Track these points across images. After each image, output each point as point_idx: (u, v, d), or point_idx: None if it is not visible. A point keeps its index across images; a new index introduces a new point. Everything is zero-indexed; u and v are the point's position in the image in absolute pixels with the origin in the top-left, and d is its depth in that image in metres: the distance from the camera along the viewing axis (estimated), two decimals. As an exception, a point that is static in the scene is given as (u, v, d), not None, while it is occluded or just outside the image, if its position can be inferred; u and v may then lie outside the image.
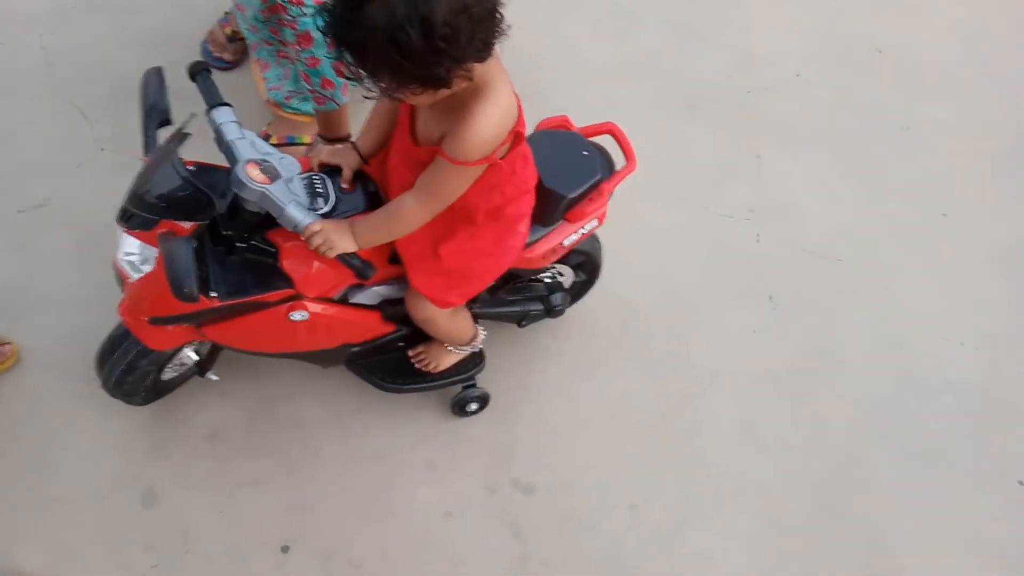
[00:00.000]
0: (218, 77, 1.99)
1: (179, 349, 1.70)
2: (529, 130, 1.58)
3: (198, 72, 1.51)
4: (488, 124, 1.27)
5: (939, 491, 1.97)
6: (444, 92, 1.22)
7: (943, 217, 2.42)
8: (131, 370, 1.65)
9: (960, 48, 2.80)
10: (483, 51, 1.19)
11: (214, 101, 1.46)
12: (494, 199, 1.45)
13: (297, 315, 1.54)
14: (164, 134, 1.46)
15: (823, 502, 1.93)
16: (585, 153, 1.73)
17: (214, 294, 1.44)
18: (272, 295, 1.51)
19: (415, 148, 1.39)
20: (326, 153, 1.55)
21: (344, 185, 1.53)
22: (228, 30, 2.43)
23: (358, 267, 1.44)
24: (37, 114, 2.27)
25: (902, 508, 1.94)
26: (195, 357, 1.76)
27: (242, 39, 2.38)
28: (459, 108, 1.28)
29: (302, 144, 2.26)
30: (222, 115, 1.45)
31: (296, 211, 1.38)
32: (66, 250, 2.03)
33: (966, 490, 1.98)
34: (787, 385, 2.09)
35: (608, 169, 1.75)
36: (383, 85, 1.18)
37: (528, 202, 1.56)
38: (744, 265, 2.27)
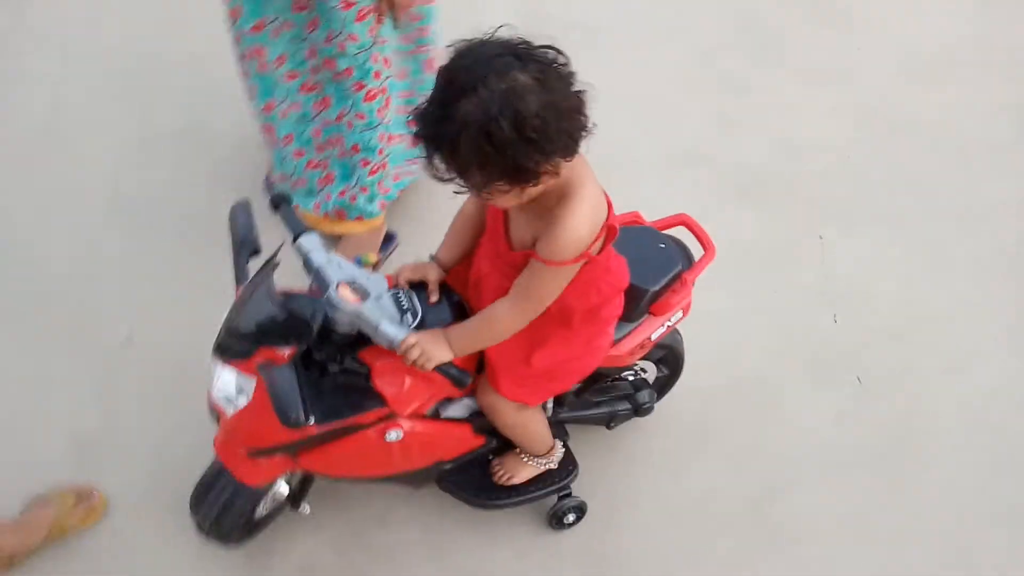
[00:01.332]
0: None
1: (272, 484, 1.68)
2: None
3: (280, 203, 1.55)
4: (580, 222, 1.28)
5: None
6: (531, 191, 1.24)
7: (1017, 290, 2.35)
8: (227, 509, 1.61)
9: (1009, 126, 2.79)
10: (570, 146, 1.21)
11: (299, 229, 1.50)
12: (591, 298, 1.44)
13: (393, 434, 1.51)
14: (254, 265, 1.49)
15: None
16: (662, 246, 1.73)
17: (311, 420, 1.43)
18: (367, 416, 1.49)
19: (510, 253, 1.40)
20: (409, 270, 1.56)
21: (431, 298, 1.53)
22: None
23: (456, 376, 1.42)
24: (115, 249, 2.31)
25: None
26: (286, 491, 1.73)
27: None
28: (550, 210, 1.29)
29: (368, 264, 2.30)
30: (309, 242, 1.48)
31: (390, 327, 1.38)
32: (150, 390, 2.04)
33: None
34: (879, 469, 1.98)
35: (687, 260, 1.73)
36: (473, 182, 1.21)
37: (620, 303, 1.54)
38: (821, 347, 2.20)
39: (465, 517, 1.86)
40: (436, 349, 1.39)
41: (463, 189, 1.24)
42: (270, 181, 2.48)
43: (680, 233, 1.79)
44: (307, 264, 1.46)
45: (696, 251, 1.76)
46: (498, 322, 1.41)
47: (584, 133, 1.22)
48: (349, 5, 1.85)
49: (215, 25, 2.09)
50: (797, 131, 2.72)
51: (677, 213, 1.81)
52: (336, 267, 1.45)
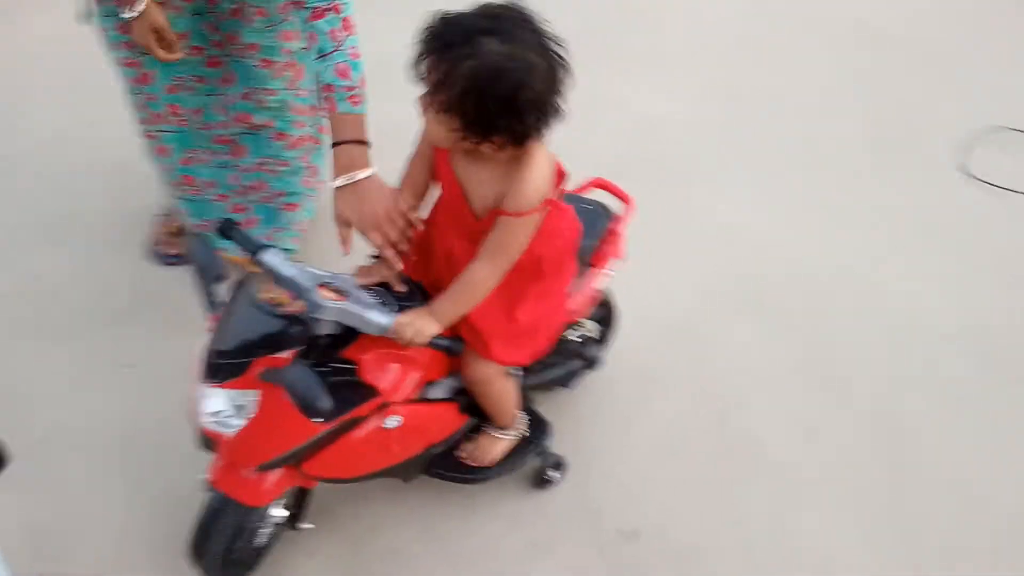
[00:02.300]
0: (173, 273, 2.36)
1: (273, 506, 1.66)
2: None
3: (228, 228, 1.57)
4: (540, 173, 1.42)
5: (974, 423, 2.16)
6: (471, 145, 1.36)
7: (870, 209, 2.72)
8: (236, 541, 1.58)
9: (829, 79, 3.24)
10: (539, 131, 1.35)
11: (257, 246, 1.53)
12: (556, 244, 1.56)
13: (392, 421, 1.57)
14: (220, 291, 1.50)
15: (889, 461, 2.07)
16: (587, 207, 1.90)
17: (319, 419, 1.45)
18: (364, 407, 1.53)
19: (479, 222, 1.50)
20: (363, 275, 1.59)
21: (399, 288, 1.60)
22: (174, 226, 2.45)
23: (449, 346, 1.51)
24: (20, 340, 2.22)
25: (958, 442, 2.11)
26: (285, 514, 1.72)
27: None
28: (509, 170, 1.42)
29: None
30: (272, 256, 1.51)
31: (379, 316, 1.45)
32: (83, 475, 1.94)
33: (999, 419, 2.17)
34: (810, 375, 2.25)
35: (611, 215, 1.91)
36: (440, 99, 1.30)
37: (575, 259, 1.69)
38: (727, 288, 2.46)
39: (454, 503, 1.92)
40: (426, 324, 1.47)
41: (424, 103, 1.34)
42: (159, 249, 2.45)
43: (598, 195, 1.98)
44: (277, 277, 1.49)
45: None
46: (477, 282, 1.50)
47: (554, 120, 1.36)
48: (269, 63, 1.93)
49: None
50: (649, 111, 3.01)
51: (593, 178, 1.99)
52: (307, 274, 1.49)
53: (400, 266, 1.59)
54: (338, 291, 1.48)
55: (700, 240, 2.60)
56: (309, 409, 1.29)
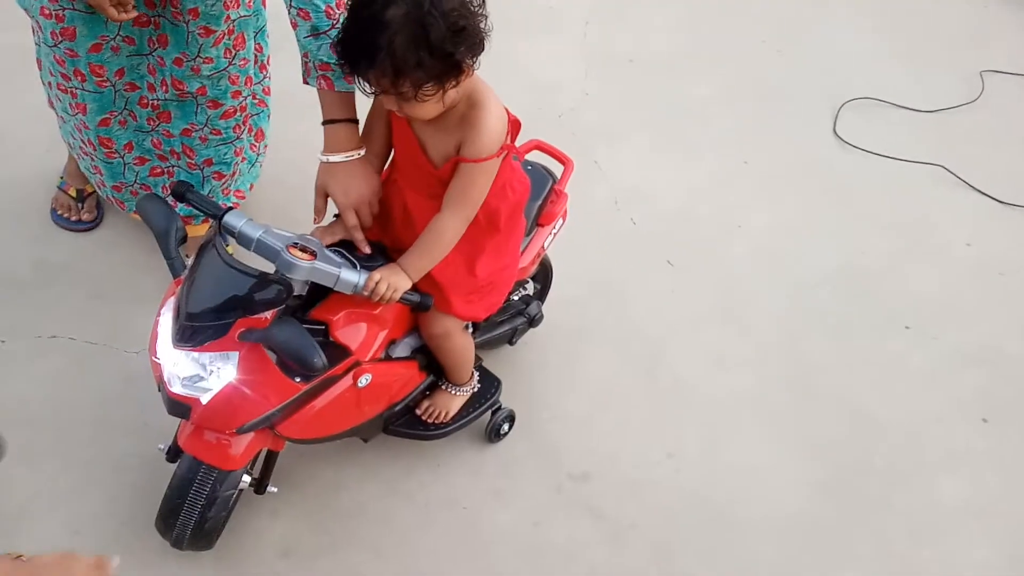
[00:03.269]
0: (82, 240, 2.33)
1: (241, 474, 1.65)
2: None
3: (184, 191, 1.54)
4: (496, 118, 1.48)
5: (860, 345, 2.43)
6: (451, 94, 1.40)
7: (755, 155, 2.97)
8: (209, 507, 1.57)
9: (694, 44, 3.46)
10: (482, 42, 1.40)
11: (219, 210, 1.51)
12: (509, 197, 1.63)
13: (364, 379, 1.60)
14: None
15: (798, 385, 2.29)
16: (529, 168, 1.98)
17: (298, 379, 1.47)
18: (338, 367, 1.55)
19: (436, 171, 1.53)
20: (327, 235, 1.61)
21: (364, 249, 1.62)
22: (72, 190, 2.34)
23: (419, 301, 1.56)
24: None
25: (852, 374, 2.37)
26: (249, 479, 1.71)
27: (91, 193, 2.34)
28: (465, 118, 1.47)
29: None
30: (237, 218, 1.49)
31: (350, 273, 1.47)
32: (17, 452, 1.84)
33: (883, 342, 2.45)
34: (723, 318, 2.44)
35: (552, 176, 2.00)
36: (404, 88, 1.34)
37: (523, 206, 1.76)
38: (632, 244, 2.61)
39: (413, 459, 1.98)
40: (398, 279, 1.51)
41: (389, 103, 1.40)
42: (63, 215, 2.35)
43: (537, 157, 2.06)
44: (243, 238, 1.48)
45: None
46: (443, 233, 1.54)
47: (487, 35, 1.41)
48: (209, 32, 1.86)
49: None
50: (538, 77, 3.12)
51: (530, 140, 2.07)
52: (274, 234, 1.49)
53: (367, 249, 1.61)
54: (306, 251, 1.48)
55: (605, 200, 2.73)
56: (305, 363, 1.31)
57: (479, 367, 2.01)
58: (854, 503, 2.06)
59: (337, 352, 1.55)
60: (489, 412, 2.01)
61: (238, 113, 2.07)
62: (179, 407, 1.48)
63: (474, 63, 1.41)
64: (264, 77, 2.17)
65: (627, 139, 2.93)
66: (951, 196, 2.89)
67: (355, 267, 1.53)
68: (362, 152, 1.60)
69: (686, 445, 2.12)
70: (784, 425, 2.20)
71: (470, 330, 1.87)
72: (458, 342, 1.79)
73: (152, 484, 1.71)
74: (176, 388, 1.46)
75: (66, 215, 2.34)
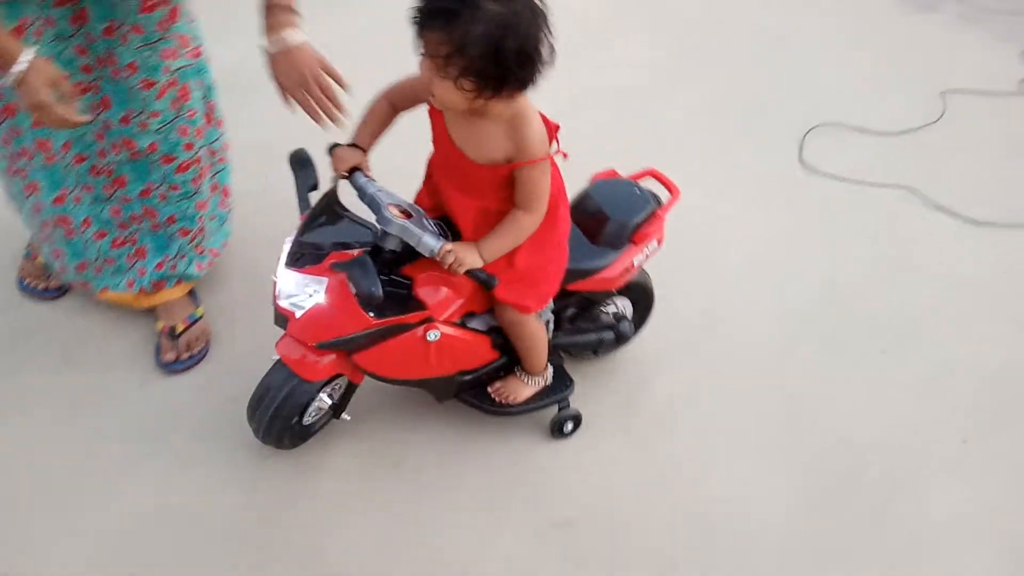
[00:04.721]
0: (46, 308, 2.35)
1: (318, 396, 1.94)
2: (583, 183, 2.08)
3: (303, 158, 1.83)
4: (538, 123, 1.65)
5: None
6: (480, 102, 1.54)
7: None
8: (284, 405, 1.87)
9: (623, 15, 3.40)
10: (535, 79, 1.56)
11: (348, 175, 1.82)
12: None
13: (432, 334, 1.82)
14: (313, 197, 1.82)
15: (783, 408, 2.29)
16: (637, 192, 2.13)
17: (372, 314, 1.73)
18: (412, 316, 1.79)
19: (477, 168, 1.69)
20: (345, 161, 1.78)
21: (368, 173, 1.80)
22: (38, 259, 2.33)
23: (484, 279, 1.73)
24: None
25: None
26: (329, 401, 1.99)
27: None
28: (511, 129, 1.63)
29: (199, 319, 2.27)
30: (359, 177, 1.80)
31: (430, 239, 1.70)
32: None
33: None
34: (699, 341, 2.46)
35: (658, 201, 2.14)
36: (451, 65, 1.46)
37: (566, 207, 1.89)
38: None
39: (474, 434, 2.16)
40: (468, 255, 1.70)
41: (433, 73, 1.50)
42: (30, 283, 2.36)
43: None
44: (361, 193, 1.78)
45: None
46: (521, 227, 1.72)
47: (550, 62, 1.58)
48: (150, 84, 1.86)
49: None
50: None
51: (647, 168, 2.22)
52: (386, 193, 1.77)
53: (322, 124, 1.78)
54: (406, 213, 1.75)
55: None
56: (364, 292, 1.57)
57: (556, 365, 2.17)
58: (847, 521, 2.05)
59: (414, 304, 1.80)
60: (556, 407, 2.16)
61: (193, 166, 2.05)
62: (281, 318, 1.80)
63: (511, 93, 1.56)
64: (221, 134, 2.20)
65: (596, 166, 2.77)
66: (919, 216, 2.95)
67: (441, 237, 1.77)
68: (300, 38, 1.73)
69: (675, 469, 2.14)
70: (771, 447, 2.19)
71: (544, 321, 2.04)
72: (528, 330, 1.96)
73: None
74: (281, 301, 1.77)
75: (33, 284, 2.35)
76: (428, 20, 1.46)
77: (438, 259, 1.70)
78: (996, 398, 2.35)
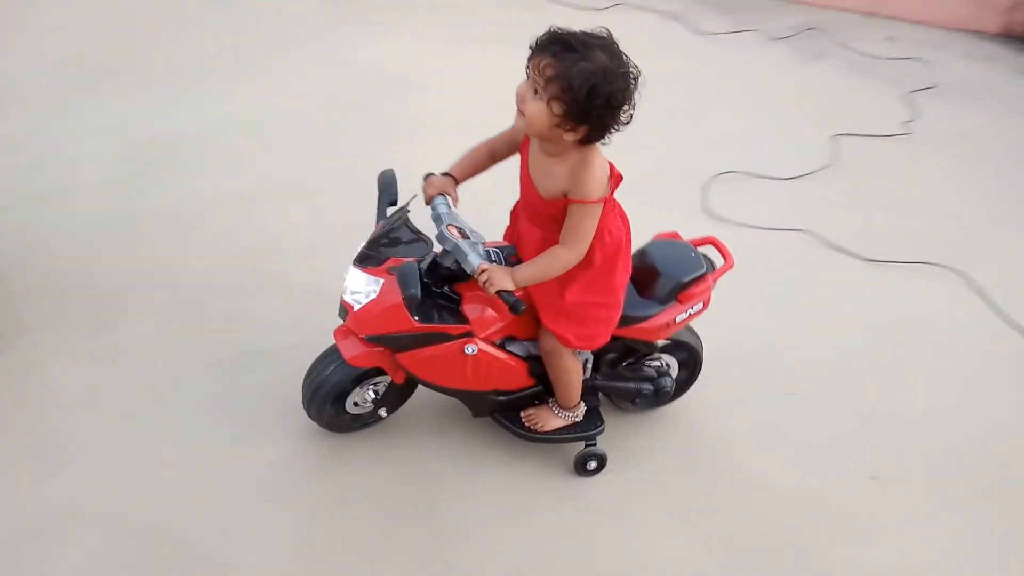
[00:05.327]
0: None
1: (362, 386, 2.16)
2: (647, 239, 2.20)
3: (388, 178, 2.05)
4: (599, 171, 1.79)
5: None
6: (564, 136, 1.72)
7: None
8: (324, 384, 2.10)
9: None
10: (614, 130, 1.74)
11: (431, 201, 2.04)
12: (605, 239, 1.90)
13: (470, 348, 2.00)
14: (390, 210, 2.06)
15: (694, 467, 2.16)
16: (693, 255, 2.23)
17: (416, 318, 1.94)
18: (453, 328, 1.98)
19: (543, 203, 1.87)
20: (435, 187, 1.99)
21: (454, 196, 2.00)
22: None
23: (511, 301, 1.85)
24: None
25: None
26: (372, 395, 2.20)
27: None
28: (574, 170, 1.79)
29: None
30: (440, 201, 2.01)
31: (474, 257, 1.87)
32: None
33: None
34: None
35: (711, 267, 2.23)
36: (550, 90, 1.65)
37: (626, 259, 2.01)
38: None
39: (501, 454, 2.31)
40: (501, 278, 1.85)
41: (532, 92, 1.69)
42: None
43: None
44: (434, 212, 1.99)
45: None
46: (556, 260, 1.86)
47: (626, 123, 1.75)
48: None
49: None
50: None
51: (708, 235, 2.33)
52: (454, 217, 1.98)
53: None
54: (464, 235, 1.96)
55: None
56: (406, 289, 1.77)
57: (592, 406, 2.28)
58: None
59: (458, 317, 1.99)
60: (583, 444, 2.26)
61: None
62: (343, 310, 2.04)
63: (586, 135, 1.73)
64: None
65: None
66: (819, 258, 3.13)
67: (486, 258, 1.94)
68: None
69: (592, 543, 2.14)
70: (688, 510, 2.20)
71: (582, 360, 2.16)
72: (564, 363, 2.10)
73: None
74: (345, 295, 2.02)
75: None
76: (548, 45, 1.67)
77: (475, 276, 1.87)
78: (908, 437, 2.42)
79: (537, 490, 2.24)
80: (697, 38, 4.84)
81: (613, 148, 1.79)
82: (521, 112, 1.75)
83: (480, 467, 2.28)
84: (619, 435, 2.36)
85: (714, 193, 3.44)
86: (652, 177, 3.43)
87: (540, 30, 1.70)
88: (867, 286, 3.00)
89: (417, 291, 1.78)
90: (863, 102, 4.14)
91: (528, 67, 1.72)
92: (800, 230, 3.22)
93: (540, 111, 1.71)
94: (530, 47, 1.72)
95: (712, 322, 2.36)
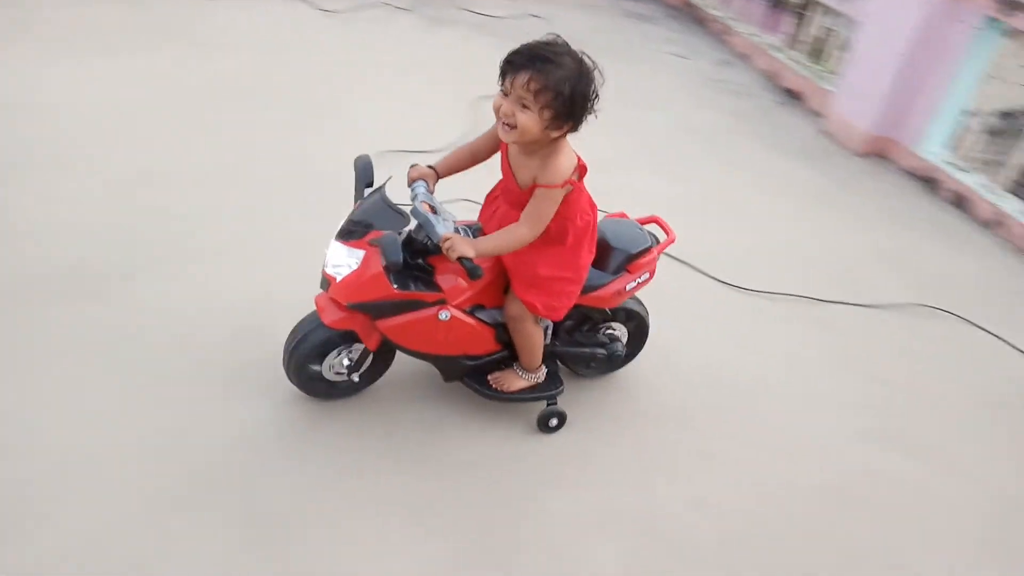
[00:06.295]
0: None
1: (339, 351, 2.35)
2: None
3: (365, 161, 2.24)
4: (564, 160, 2.04)
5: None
6: (548, 132, 1.96)
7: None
8: (301, 344, 2.28)
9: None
10: (586, 119, 2.00)
11: (412, 183, 2.25)
12: (577, 220, 2.16)
13: (443, 314, 2.21)
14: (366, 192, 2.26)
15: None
16: (638, 231, 2.50)
17: (395, 286, 2.14)
18: (428, 295, 2.19)
19: (521, 192, 2.12)
20: (416, 171, 2.25)
21: (432, 186, 2.23)
22: None
23: (470, 267, 2.03)
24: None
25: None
26: (347, 363, 2.39)
27: None
28: (546, 158, 2.04)
29: None
30: (419, 184, 2.22)
31: (441, 228, 2.08)
32: None
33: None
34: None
35: (655, 241, 2.50)
36: (538, 100, 1.90)
37: (593, 239, 2.26)
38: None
39: (464, 419, 2.52)
40: (463, 246, 2.03)
41: (510, 104, 1.93)
42: None
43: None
44: (413, 194, 2.20)
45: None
46: (513, 236, 2.09)
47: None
48: None
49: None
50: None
51: (651, 215, 2.60)
52: (430, 198, 2.20)
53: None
54: (434, 211, 2.17)
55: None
56: (389, 257, 1.98)
57: (551, 369, 2.52)
58: None
59: (432, 287, 2.20)
60: (544, 403, 2.49)
61: None
62: (325, 282, 2.23)
63: (568, 127, 1.99)
64: None
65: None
66: None
67: (454, 231, 2.15)
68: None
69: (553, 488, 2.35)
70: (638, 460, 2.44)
71: (543, 326, 2.40)
72: (527, 329, 2.33)
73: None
74: (327, 268, 2.20)
75: None
76: (527, 63, 1.91)
77: (440, 244, 2.05)
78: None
79: (503, 445, 2.46)
80: (322, 16, 4.90)
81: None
82: (509, 125, 1.97)
83: (451, 428, 2.49)
84: (577, 398, 2.60)
85: (377, 179, 3.02)
86: (298, 173, 3.45)
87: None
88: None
89: (399, 259, 1.99)
90: (494, 63, 4.03)
91: (505, 84, 1.95)
92: (466, 200, 3.28)
93: (532, 120, 1.94)
94: (501, 68, 1.95)
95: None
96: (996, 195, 4.29)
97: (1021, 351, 3.25)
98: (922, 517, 2.46)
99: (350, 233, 2.18)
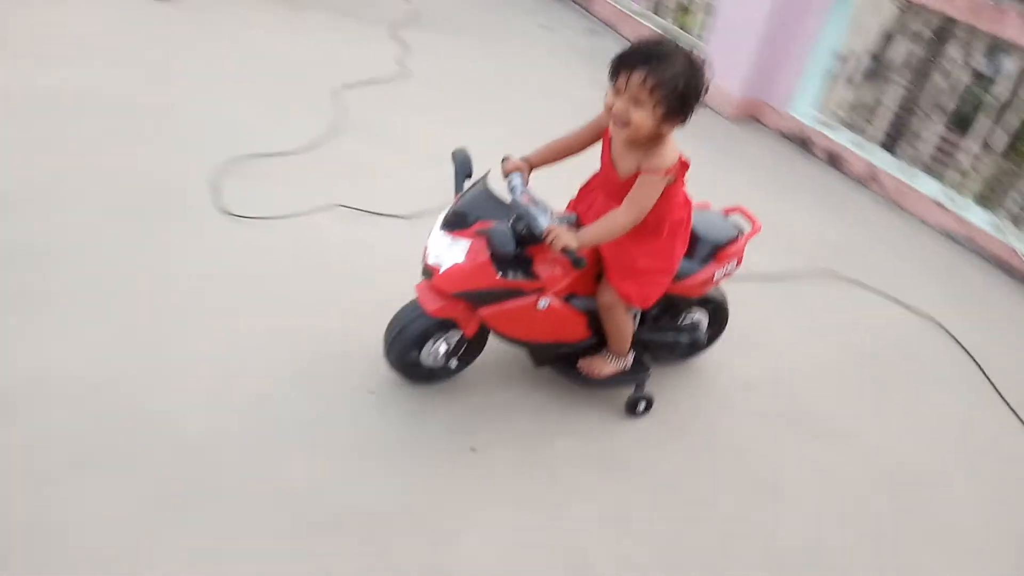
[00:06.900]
0: None
1: (436, 338, 2.43)
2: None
3: (464, 154, 2.31)
4: (671, 148, 2.11)
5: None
6: (661, 126, 2.03)
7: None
8: (403, 332, 2.36)
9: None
10: (687, 119, 2.06)
11: (507, 175, 2.32)
12: (673, 213, 2.23)
13: (543, 302, 2.28)
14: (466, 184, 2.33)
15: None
16: (724, 221, 2.56)
17: (500, 274, 2.22)
18: (528, 284, 2.26)
19: (622, 183, 2.19)
20: (511, 164, 2.31)
21: (527, 176, 2.30)
22: None
23: (574, 257, 2.11)
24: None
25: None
26: (445, 347, 2.47)
27: None
28: (649, 148, 2.10)
29: None
30: (515, 176, 2.30)
31: (543, 219, 2.15)
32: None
33: None
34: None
35: (741, 231, 2.56)
36: (653, 95, 1.97)
37: (687, 232, 2.33)
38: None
39: (561, 404, 2.60)
40: (566, 237, 2.10)
41: (624, 102, 1.99)
42: None
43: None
44: (510, 186, 2.28)
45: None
46: (616, 222, 2.15)
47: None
48: None
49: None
50: None
51: (737, 205, 2.65)
52: (527, 190, 2.26)
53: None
54: (534, 201, 2.24)
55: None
56: (500, 246, 2.05)
57: (639, 354, 2.59)
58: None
59: (531, 276, 2.28)
60: (633, 387, 2.57)
61: None
62: (428, 272, 2.31)
63: (679, 123, 2.06)
64: None
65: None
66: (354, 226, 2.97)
67: (555, 223, 2.22)
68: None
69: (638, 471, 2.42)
70: (720, 445, 2.44)
71: (633, 315, 2.47)
72: (619, 316, 2.40)
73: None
74: (430, 259, 2.28)
75: None
76: (641, 62, 1.97)
77: (543, 235, 2.13)
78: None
79: (593, 429, 2.54)
80: (159, 6, 4.47)
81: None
82: (624, 123, 2.03)
83: (539, 412, 2.58)
84: (661, 383, 2.68)
85: (228, 187, 3.05)
86: (145, 187, 3.03)
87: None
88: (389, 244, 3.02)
89: (511, 249, 2.06)
90: (355, 48, 3.88)
91: (619, 83, 2.00)
92: (334, 206, 3.08)
93: (646, 117, 2.01)
94: (613, 66, 2.01)
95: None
96: (866, 151, 4.30)
97: (900, 302, 3.34)
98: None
99: (454, 224, 2.25)
